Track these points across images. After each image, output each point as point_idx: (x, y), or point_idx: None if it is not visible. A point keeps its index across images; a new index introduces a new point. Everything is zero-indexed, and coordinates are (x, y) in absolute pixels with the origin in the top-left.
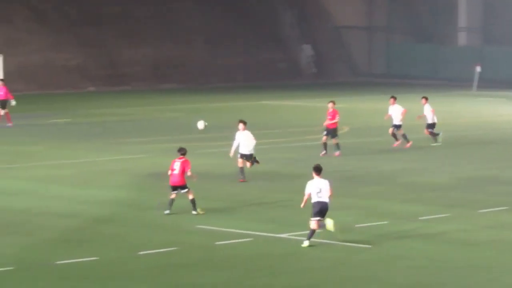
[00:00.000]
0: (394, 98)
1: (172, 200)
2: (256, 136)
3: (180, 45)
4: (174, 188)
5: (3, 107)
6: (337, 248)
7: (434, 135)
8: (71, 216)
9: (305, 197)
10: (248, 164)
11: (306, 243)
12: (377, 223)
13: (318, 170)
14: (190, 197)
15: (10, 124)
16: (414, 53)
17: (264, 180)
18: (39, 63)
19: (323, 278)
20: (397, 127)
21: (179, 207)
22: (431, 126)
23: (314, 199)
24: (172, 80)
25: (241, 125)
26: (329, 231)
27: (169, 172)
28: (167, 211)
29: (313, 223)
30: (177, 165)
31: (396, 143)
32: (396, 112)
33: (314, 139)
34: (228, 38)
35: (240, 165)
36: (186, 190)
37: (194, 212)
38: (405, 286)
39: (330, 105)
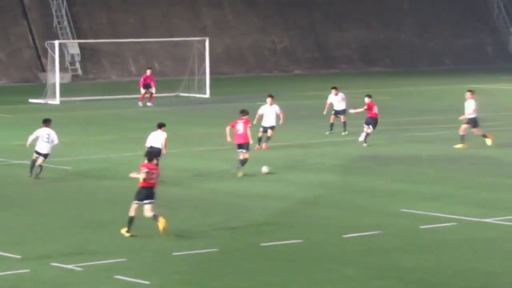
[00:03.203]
0: (472, 92)
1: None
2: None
3: (389, 28)
4: (240, 146)
5: (147, 89)
6: None
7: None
8: (278, 198)
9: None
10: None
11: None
12: None
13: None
14: (246, 156)
15: (151, 104)
16: None
17: (470, 164)
18: (246, 46)
19: None
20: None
21: (377, 190)
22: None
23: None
24: (380, 63)
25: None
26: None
27: (227, 129)
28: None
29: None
30: (240, 126)
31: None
32: (469, 106)
33: None
34: (436, 21)
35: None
36: (246, 150)
37: (239, 170)
38: None
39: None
